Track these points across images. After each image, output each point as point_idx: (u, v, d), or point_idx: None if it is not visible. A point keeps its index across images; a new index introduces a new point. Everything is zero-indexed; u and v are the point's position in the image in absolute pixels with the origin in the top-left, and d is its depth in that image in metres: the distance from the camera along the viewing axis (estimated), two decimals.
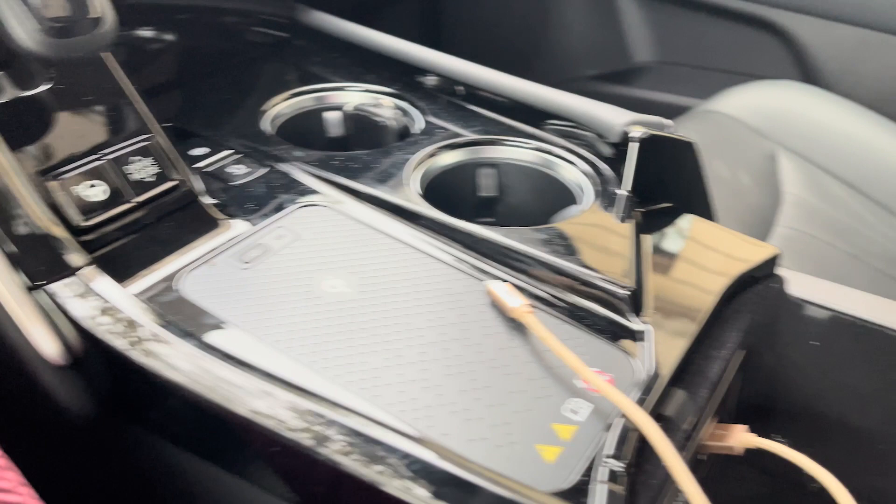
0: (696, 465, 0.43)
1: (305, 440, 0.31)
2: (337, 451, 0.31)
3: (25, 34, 0.33)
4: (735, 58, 1.34)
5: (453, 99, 0.60)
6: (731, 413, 0.46)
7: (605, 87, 1.41)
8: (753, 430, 0.46)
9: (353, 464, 0.31)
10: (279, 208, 0.45)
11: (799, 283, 0.46)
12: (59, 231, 0.37)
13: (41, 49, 0.33)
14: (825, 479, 0.38)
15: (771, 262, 0.46)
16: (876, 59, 1.20)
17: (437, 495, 0.29)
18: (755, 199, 0.96)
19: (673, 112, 1.16)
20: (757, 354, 0.47)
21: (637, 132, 0.48)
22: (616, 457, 0.32)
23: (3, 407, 0.36)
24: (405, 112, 0.59)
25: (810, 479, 0.39)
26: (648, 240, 0.46)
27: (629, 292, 0.40)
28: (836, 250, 0.91)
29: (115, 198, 0.40)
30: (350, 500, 0.31)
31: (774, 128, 1.09)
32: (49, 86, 0.40)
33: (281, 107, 0.58)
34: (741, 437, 0.42)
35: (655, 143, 0.49)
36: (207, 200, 0.44)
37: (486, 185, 0.54)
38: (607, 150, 0.51)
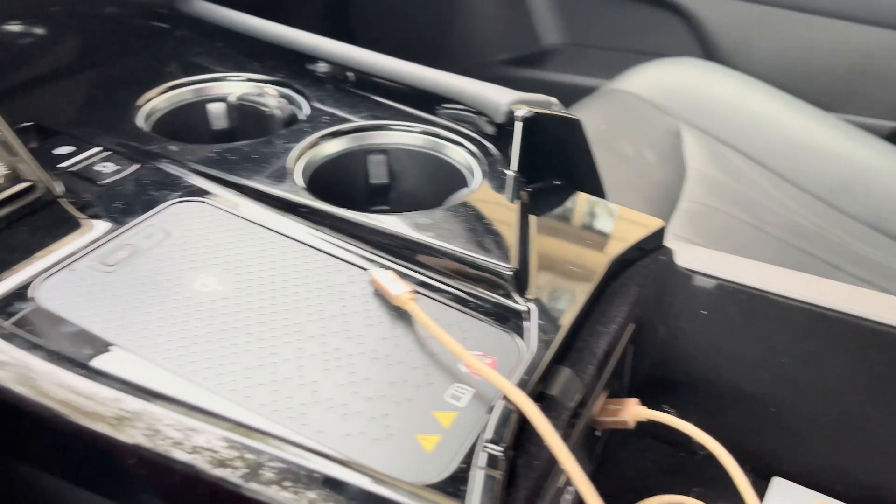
0: (592, 441, 0.43)
1: (168, 453, 0.30)
2: (200, 460, 0.29)
3: None
4: (640, 38, 1.36)
5: (342, 85, 0.58)
6: (625, 387, 0.47)
7: (515, 71, 1.42)
8: (650, 402, 0.46)
9: (218, 471, 0.29)
10: (150, 206, 0.43)
11: (686, 254, 0.47)
12: None
13: None
14: (711, 445, 0.39)
15: (658, 235, 0.47)
16: (772, 34, 1.24)
17: (302, 497, 0.27)
18: (660, 175, 0.97)
19: (582, 93, 1.18)
20: (649, 327, 0.47)
21: (522, 111, 0.48)
22: (495, 441, 0.31)
23: None
24: (291, 100, 0.57)
25: (700, 447, 0.40)
26: (535, 219, 0.45)
27: (512, 273, 0.39)
28: (740, 222, 0.93)
29: None
30: None
31: (677, 104, 1.11)
32: None
33: (158, 101, 0.55)
34: (633, 411, 0.42)
35: (541, 122, 0.49)
36: (68, 201, 0.41)
37: (376, 172, 0.53)
38: (494, 131, 0.51)
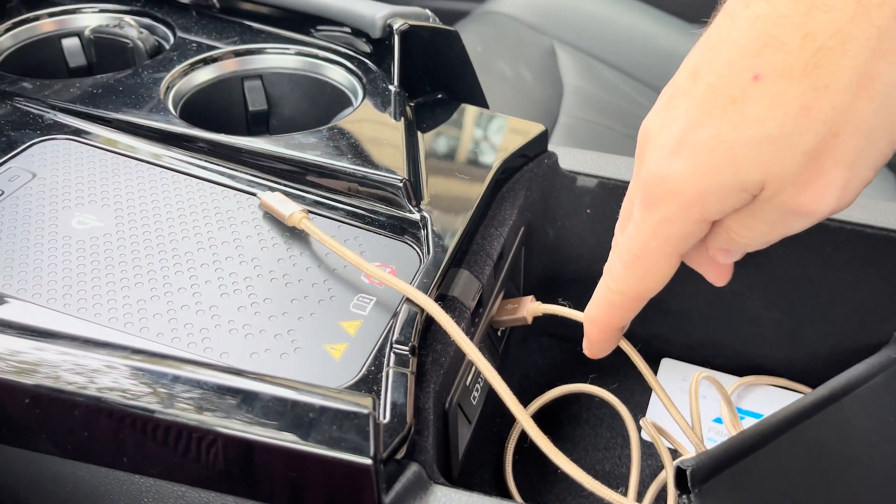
0: (495, 341, 0.45)
1: (76, 392, 0.28)
2: (110, 396, 0.28)
3: None
4: None
5: (206, 11, 0.55)
6: (520, 287, 0.48)
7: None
8: (545, 300, 0.49)
9: (131, 404, 0.28)
10: (9, 148, 0.40)
11: (570, 157, 0.48)
12: None
13: None
14: None
15: (542, 140, 0.48)
16: None
17: (210, 411, 0.27)
18: (538, 93, 0.99)
19: (455, 17, 1.17)
20: (539, 229, 0.49)
21: (399, 24, 0.47)
22: (402, 342, 0.32)
23: None
24: (153, 30, 0.53)
25: None
26: (422, 132, 0.45)
27: (403, 183, 0.39)
28: (614, 132, 0.97)
29: None
30: (133, 440, 0.28)
31: (550, 23, 1.12)
32: None
33: (3, 39, 0.51)
34: (530, 307, 0.43)
35: (419, 35, 0.48)
36: None
37: (254, 98, 0.51)
38: (371, 48, 0.50)
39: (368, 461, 0.25)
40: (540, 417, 0.48)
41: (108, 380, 0.28)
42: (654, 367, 0.52)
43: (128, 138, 0.42)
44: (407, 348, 0.31)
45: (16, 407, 0.28)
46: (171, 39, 0.52)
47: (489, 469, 0.45)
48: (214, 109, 0.50)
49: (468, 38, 1.04)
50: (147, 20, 0.54)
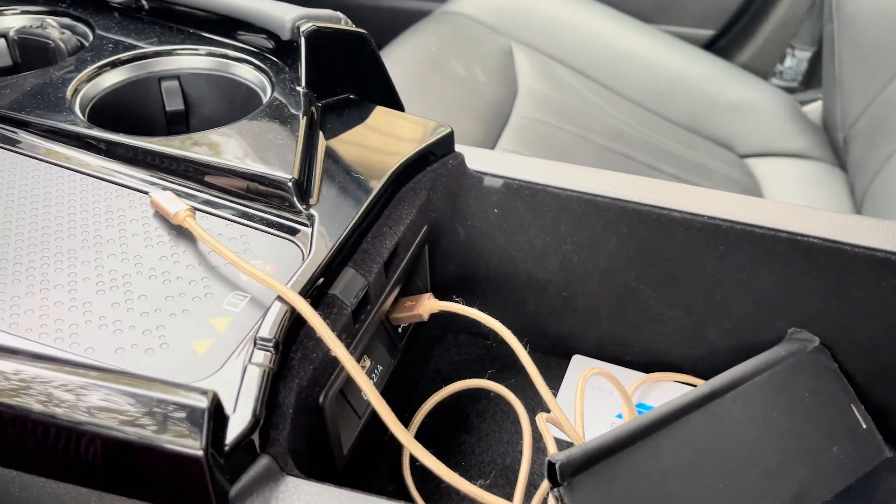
0: (394, 336, 0.46)
1: None
2: None
3: None
4: None
5: (130, 13, 0.56)
6: (427, 286, 0.49)
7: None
8: (456, 298, 0.50)
9: None
10: None
11: (476, 157, 0.49)
12: None
13: None
14: (494, 325, 0.42)
15: (448, 140, 0.49)
16: None
17: (73, 410, 0.28)
18: (492, 93, 1.00)
19: (419, 17, 1.18)
20: (449, 229, 0.50)
21: (306, 26, 0.48)
22: (267, 338, 0.33)
23: None
24: (74, 30, 0.54)
25: (496, 334, 0.43)
26: (324, 131, 0.46)
27: (291, 182, 0.40)
28: (565, 132, 0.98)
29: None
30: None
31: (508, 23, 1.13)
32: None
33: None
34: (426, 304, 0.44)
35: (329, 37, 0.49)
36: None
37: (171, 99, 0.52)
38: (283, 49, 0.51)
39: (199, 452, 0.26)
40: (446, 412, 0.49)
41: None
42: (566, 363, 0.53)
43: (30, 137, 0.43)
44: (269, 344, 0.32)
45: None
46: (92, 40, 0.53)
47: (391, 462, 0.46)
48: (132, 110, 0.50)
49: (425, 38, 1.05)
50: (68, 20, 0.54)
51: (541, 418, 0.42)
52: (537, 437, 0.46)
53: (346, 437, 0.39)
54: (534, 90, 1.04)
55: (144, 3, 0.56)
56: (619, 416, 0.49)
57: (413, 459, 0.45)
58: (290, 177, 0.40)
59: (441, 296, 0.47)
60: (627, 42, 1.15)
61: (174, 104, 0.52)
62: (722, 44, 1.27)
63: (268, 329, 0.33)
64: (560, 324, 0.53)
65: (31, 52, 0.53)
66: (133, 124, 0.49)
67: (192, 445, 0.26)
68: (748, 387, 0.43)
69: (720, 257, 0.46)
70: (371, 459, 0.45)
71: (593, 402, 0.50)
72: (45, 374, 0.29)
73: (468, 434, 0.49)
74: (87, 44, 0.53)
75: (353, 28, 0.50)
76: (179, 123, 0.53)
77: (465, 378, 0.48)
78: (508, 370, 0.53)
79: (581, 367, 0.53)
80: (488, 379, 0.46)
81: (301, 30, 0.48)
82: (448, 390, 0.46)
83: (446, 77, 0.98)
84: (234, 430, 0.29)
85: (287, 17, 0.49)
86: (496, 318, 0.43)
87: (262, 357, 0.32)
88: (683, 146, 1.05)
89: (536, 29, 1.13)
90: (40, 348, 0.32)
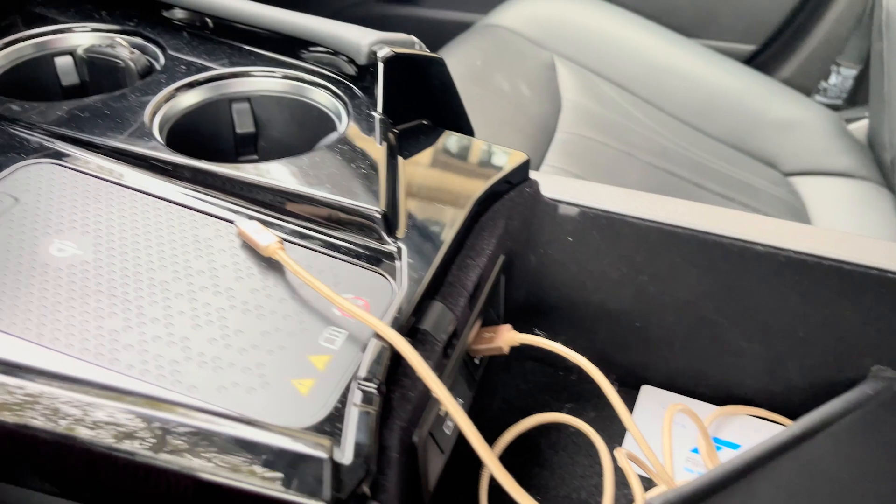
0: (472, 369, 0.45)
1: (35, 425, 0.29)
2: (70, 429, 0.29)
3: None
4: None
5: (199, 32, 0.55)
6: (501, 315, 0.49)
7: (389, 9, 1.39)
8: (526, 327, 0.49)
9: (88, 438, 0.29)
10: None
11: (551, 185, 0.49)
12: None
13: None
14: (577, 360, 0.41)
15: (524, 168, 0.48)
16: None
17: (179, 454, 0.28)
18: (536, 108, 1.00)
19: (458, 29, 1.17)
20: (521, 257, 0.49)
21: (383, 51, 0.48)
22: (369, 378, 0.32)
23: None
24: (145, 50, 0.54)
25: (572, 366, 0.42)
26: (403, 159, 0.46)
27: (381, 214, 0.40)
28: (611, 149, 0.97)
29: None
30: (87, 474, 0.29)
31: (550, 37, 1.13)
32: None
33: None
34: (506, 337, 0.44)
35: (404, 62, 0.49)
36: None
37: (242, 121, 0.51)
38: (357, 73, 0.50)
39: None
40: (519, 443, 0.48)
41: (73, 419, 0.28)
42: (635, 394, 0.53)
43: (112, 163, 0.43)
44: (373, 386, 0.32)
45: None
46: (163, 60, 0.52)
47: (467, 492, 0.45)
48: (202, 131, 0.50)
49: (468, 52, 1.05)
50: (139, 40, 0.54)
51: (622, 454, 0.42)
52: (617, 471, 0.45)
53: (433, 474, 0.39)
54: (577, 105, 1.03)
55: (209, 21, 0.56)
56: (696, 451, 0.49)
57: (491, 492, 0.44)
58: (379, 209, 0.40)
59: (509, 323, 0.46)
60: (669, 57, 1.14)
61: (245, 127, 0.52)
62: (763, 59, 1.26)
63: (370, 369, 0.33)
64: (630, 354, 0.52)
65: (99, 70, 0.53)
66: (202, 146, 0.49)
67: (316, 497, 0.26)
68: (837, 427, 0.42)
69: (804, 292, 0.45)
70: (447, 494, 0.45)
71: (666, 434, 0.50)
72: (160, 417, 0.28)
73: (541, 467, 0.48)
74: (157, 64, 0.53)
75: (428, 53, 0.50)
76: (248, 146, 0.52)
77: (533, 407, 0.47)
78: (577, 399, 0.52)
79: (651, 398, 0.52)
80: (567, 413, 0.46)
81: (378, 55, 0.47)
82: (528, 423, 0.46)
83: (491, 91, 0.98)
84: (348, 480, 0.28)
85: (363, 42, 0.48)
86: (559, 345, 0.42)
87: (367, 399, 0.31)
88: (727, 164, 1.04)
89: (578, 43, 1.13)
90: (144, 387, 0.31)
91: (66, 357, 0.32)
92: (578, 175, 0.90)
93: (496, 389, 0.53)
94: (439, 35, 1.14)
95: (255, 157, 0.53)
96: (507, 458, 0.47)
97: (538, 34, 1.12)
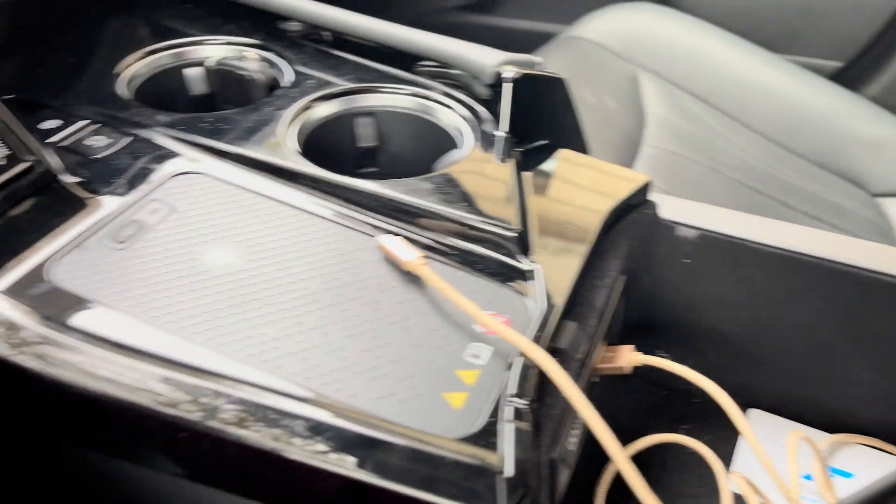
0: (591, 388, 0.46)
1: (212, 422, 0.31)
2: (248, 430, 0.31)
3: None
4: None
5: (320, 47, 0.58)
6: (617, 335, 0.49)
7: (468, 17, 1.41)
8: (638, 347, 0.50)
9: (266, 440, 0.30)
10: (149, 180, 0.43)
11: (669, 207, 0.49)
12: None
13: None
14: (704, 384, 0.42)
15: (644, 190, 0.49)
16: None
17: (351, 457, 0.29)
18: (622, 122, 1.00)
19: (536, 38, 1.18)
20: (636, 278, 0.50)
21: (509, 72, 0.49)
22: (519, 395, 0.33)
23: None
24: (272, 63, 0.56)
25: (694, 387, 0.43)
26: (529, 179, 0.47)
27: (516, 234, 0.41)
28: (698, 165, 0.97)
29: None
30: (266, 473, 0.31)
31: (634, 50, 1.13)
32: None
33: (136, 67, 0.54)
34: (629, 357, 0.44)
35: (527, 82, 0.50)
36: (68, 179, 0.41)
37: (365, 134, 0.53)
38: (482, 92, 0.52)
39: None
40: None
41: (260, 420, 0.30)
42: None
43: (253, 174, 0.45)
44: (525, 403, 0.33)
45: (169, 437, 0.31)
46: (289, 75, 0.55)
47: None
48: (327, 144, 0.52)
49: (553, 64, 1.05)
50: (267, 54, 0.57)
51: (741, 479, 0.42)
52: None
53: (562, 489, 0.40)
54: (662, 119, 1.03)
55: (327, 35, 0.58)
56: (808, 477, 0.48)
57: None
58: (515, 229, 0.41)
59: (619, 344, 0.47)
60: (754, 72, 1.13)
61: (368, 140, 0.53)
62: (850, 76, 1.23)
63: (520, 387, 0.34)
64: (739, 376, 0.52)
65: (227, 82, 0.56)
66: (327, 158, 0.51)
67: None
68: None
69: None
70: None
71: (779, 460, 0.50)
72: (328, 423, 0.30)
73: (651, 484, 0.49)
74: (282, 78, 0.55)
75: (552, 73, 0.51)
76: (369, 159, 0.54)
77: (639, 425, 0.48)
78: (685, 420, 0.52)
79: (758, 423, 0.52)
80: (684, 434, 0.46)
81: (504, 75, 0.49)
82: (646, 442, 0.46)
83: (578, 105, 0.98)
84: (512, 494, 0.29)
85: (489, 62, 0.50)
86: (686, 369, 0.43)
87: (520, 415, 0.33)
88: (814, 182, 1.03)
89: (663, 56, 1.12)
90: (308, 393, 0.33)
91: (234, 362, 0.34)
92: (665, 190, 0.89)
93: (608, 409, 0.53)
94: (517, 45, 1.15)
95: (374, 169, 0.55)
96: (617, 476, 0.48)
97: (622, 47, 1.12)
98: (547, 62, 1.09)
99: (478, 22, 1.38)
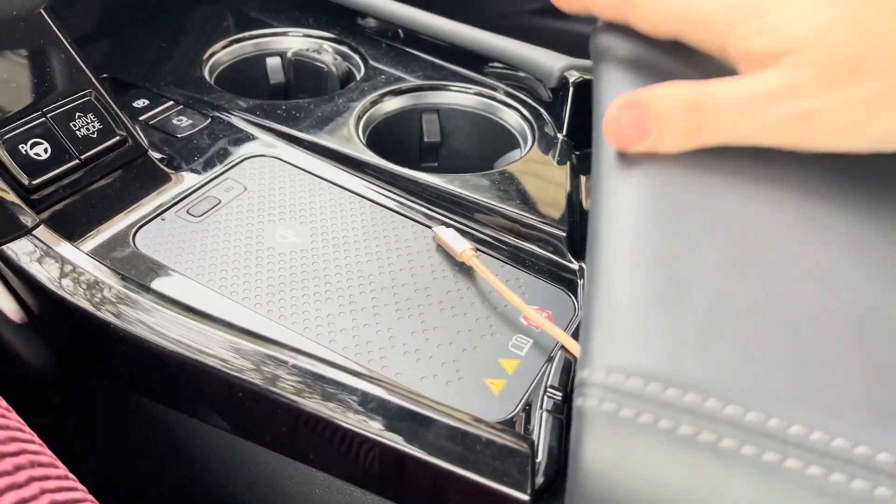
0: None
1: (270, 386, 0.33)
2: (300, 393, 0.33)
3: None
4: None
5: (393, 43, 0.60)
6: None
7: (545, 21, 1.41)
8: None
9: (317, 404, 0.33)
10: (226, 160, 0.46)
11: None
12: (6, 192, 0.38)
13: None
14: None
15: None
16: None
17: (393, 429, 0.31)
18: None
19: None
20: None
21: (574, 77, 0.50)
22: (555, 387, 0.35)
23: None
24: (346, 57, 0.59)
25: None
26: (585, 182, 0.48)
27: (565, 233, 0.42)
28: None
29: (59, 155, 0.40)
30: (314, 437, 0.33)
31: None
32: None
33: (221, 54, 0.58)
34: None
35: (590, 87, 0.51)
36: (153, 155, 0.45)
37: (430, 130, 0.55)
38: (546, 94, 0.53)
39: (526, 497, 0.29)
40: None
41: (313, 388, 0.32)
42: None
43: (321, 160, 0.47)
44: (560, 395, 0.34)
45: (229, 396, 0.34)
46: (362, 69, 0.57)
47: None
48: (393, 137, 0.55)
49: None
50: (343, 48, 0.59)
51: None
52: None
53: None
54: None
55: (401, 32, 0.61)
56: None
57: None
58: (565, 228, 0.42)
59: None
60: None
61: (433, 136, 0.55)
62: None
63: (557, 379, 0.35)
64: None
65: (303, 72, 0.59)
66: (392, 151, 0.53)
67: (520, 489, 0.29)
68: None
69: None
70: None
71: None
72: (374, 394, 0.32)
73: None
74: (357, 72, 0.58)
75: None
76: (431, 153, 0.56)
77: None
78: None
79: None
80: None
81: (570, 80, 0.50)
82: None
83: None
84: (544, 478, 0.31)
85: (555, 66, 0.51)
86: None
87: (557, 408, 0.34)
88: None
89: None
90: (357, 367, 0.35)
91: (293, 334, 0.36)
92: None
93: None
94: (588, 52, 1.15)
95: (436, 164, 0.57)
96: None
97: None
98: None
99: (553, 26, 1.39)
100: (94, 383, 0.39)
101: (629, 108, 0.28)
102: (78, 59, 0.42)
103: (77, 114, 0.41)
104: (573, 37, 1.39)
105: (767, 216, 0.26)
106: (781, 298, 0.23)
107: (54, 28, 0.42)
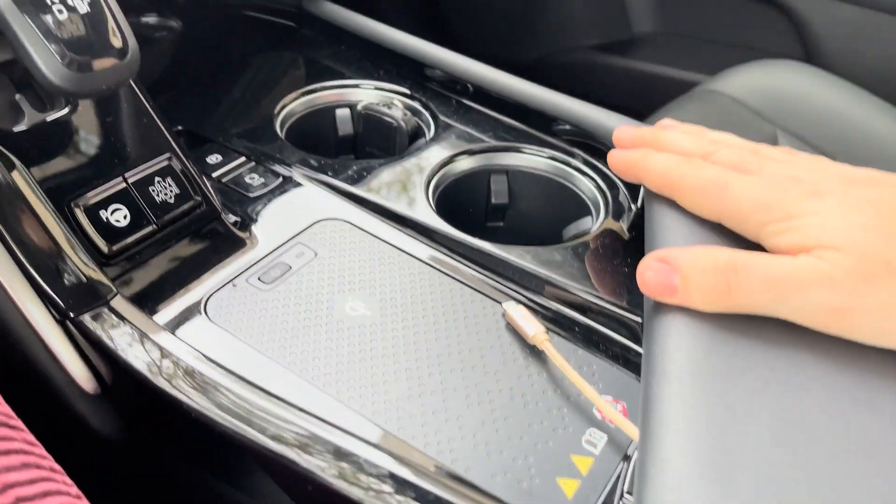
0: None
1: (331, 475, 0.33)
2: (379, 496, 0.32)
3: (48, 70, 0.33)
4: (737, 32, 1.33)
5: (462, 100, 0.59)
6: None
7: (604, 58, 1.40)
8: None
9: (360, 493, 0.32)
10: (297, 224, 0.46)
11: None
12: (84, 259, 0.38)
13: (65, 85, 0.33)
14: None
15: None
16: (877, 40, 1.20)
17: None
18: None
19: (673, 85, 1.16)
20: None
21: None
22: (632, 493, 0.33)
23: (40, 431, 0.37)
24: (416, 112, 0.59)
25: None
26: None
27: (641, 319, 0.41)
28: None
29: (138, 221, 0.40)
30: None
31: (775, 109, 1.09)
32: (69, 109, 0.40)
33: (293, 106, 0.58)
34: None
35: None
36: (227, 218, 0.45)
37: (498, 191, 0.55)
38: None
39: None
40: None
41: (384, 483, 0.31)
42: None
43: (391, 226, 0.47)
44: None
45: (297, 487, 0.33)
46: (432, 125, 0.57)
47: None
48: (462, 196, 0.54)
49: (688, 117, 1.03)
50: (413, 103, 0.59)
51: None
52: None
53: None
54: None
55: (470, 86, 0.60)
56: None
57: None
58: (641, 313, 0.41)
59: None
60: None
61: (501, 198, 0.55)
62: None
63: (632, 483, 0.34)
64: None
65: (373, 126, 0.58)
66: (460, 211, 0.53)
67: None
68: None
69: None
70: None
71: None
72: (448, 499, 0.31)
73: None
74: (427, 128, 0.57)
75: None
76: (497, 214, 0.56)
77: None
78: None
79: None
80: None
81: None
82: None
83: None
84: None
85: (617, 128, 0.50)
86: None
87: None
88: None
89: (806, 119, 1.08)
90: (426, 461, 0.34)
91: (362, 420, 0.36)
92: None
93: None
94: (651, 91, 1.14)
95: (502, 223, 0.56)
96: None
97: (762, 105, 1.09)
98: (684, 117, 1.08)
99: (613, 63, 1.37)
100: (160, 455, 0.38)
101: (660, 262, 0.30)
102: (159, 123, 0.43)
103: (156, 178, 0.42)
104: (633, 74, 1.37)
105: (815, 383, 0.27)
106: (830, 477, 0.24)
107: (140, 94, 0.42)
